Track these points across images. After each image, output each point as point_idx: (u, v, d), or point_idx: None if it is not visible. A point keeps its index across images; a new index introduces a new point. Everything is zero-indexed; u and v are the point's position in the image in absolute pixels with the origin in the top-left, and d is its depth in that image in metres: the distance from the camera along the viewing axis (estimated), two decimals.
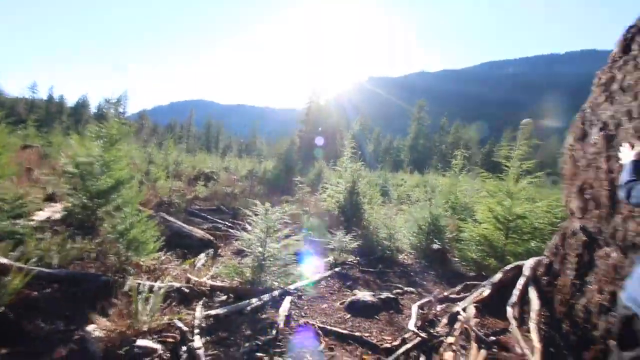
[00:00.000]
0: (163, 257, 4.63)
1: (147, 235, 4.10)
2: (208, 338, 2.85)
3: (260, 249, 4.18)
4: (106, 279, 3.54)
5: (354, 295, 3.96)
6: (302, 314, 3.49)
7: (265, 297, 3.73)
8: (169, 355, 2.64)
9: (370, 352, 2.48)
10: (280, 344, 2.82)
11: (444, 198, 8.40)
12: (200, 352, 2.59)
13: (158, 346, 2.71)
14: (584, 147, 2.15)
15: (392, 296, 3.85)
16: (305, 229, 7.00)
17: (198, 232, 6.28)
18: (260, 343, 2.82)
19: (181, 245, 5.31)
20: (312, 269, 5.18)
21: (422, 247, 6.34)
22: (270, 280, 4.16)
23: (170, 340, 2.84)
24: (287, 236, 4.48)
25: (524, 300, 2.55)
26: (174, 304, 3.42)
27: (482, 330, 2.55)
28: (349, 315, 3.48)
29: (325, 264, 5.43)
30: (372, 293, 3.96)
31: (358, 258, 5.76)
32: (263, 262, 4.15)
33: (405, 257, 6.27)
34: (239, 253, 5.60)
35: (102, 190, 5.10)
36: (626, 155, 1.66)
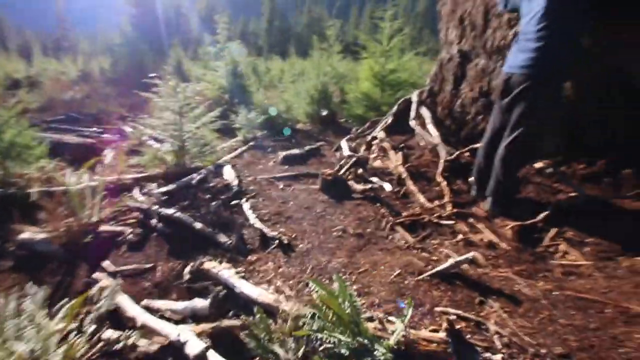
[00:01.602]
0: (50, 166, 3.88)
1: (27, 139, 3.29)
2: (173, 209, 2.93)
3: (177, 132, 3.98)
4: None
5: (281, 154, 4.45)
6: (246, 175, 3.82)
7: (203, 171, 3.81)
8: (139, 231, 2.67)
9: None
10: (246, 193, 3.18)
11: (320, 71, 9.03)
12: (178, 214, 2.72)
13: (121, 228, 2.68)
14: None
15: (314, 147, 4.54)
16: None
17: (72, 139, 5.23)
18: (226, 197, 3.11)
19: (61, 154, 4.44)
20: (228, 145, 5.31)
21: (315, 114, 7.05)
22: (196, 161, 4.16)
23: (132, 221, 2.81)
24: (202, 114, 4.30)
25: (418, 116, 3.55)
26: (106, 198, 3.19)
27: (393, 143, 3.51)
28: (286, 167, 4.03)
29: (238, 141, 5.60)
30: (296, 149, 4.54)
31: (266, 131, 6.10)
32: (185, 145, 4.03)
33: (303, 125, 6.95)
34: (136, 152, 5.10)
35: None
36: None
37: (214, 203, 3.06)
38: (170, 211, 2.77)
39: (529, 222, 1.94)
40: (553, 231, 1.86)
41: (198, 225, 2.58)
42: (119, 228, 2.68)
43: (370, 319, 1.22)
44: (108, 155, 4.25)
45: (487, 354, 1.12)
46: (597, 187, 2.11)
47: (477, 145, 2.60)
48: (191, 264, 2.15)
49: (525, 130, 1.95)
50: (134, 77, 13.77)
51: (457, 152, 2.80)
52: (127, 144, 5.40)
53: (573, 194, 2.12)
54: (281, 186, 3.34)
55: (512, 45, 2.08)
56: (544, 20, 1.84)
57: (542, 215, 1.93)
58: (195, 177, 3.64)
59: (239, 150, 5.00)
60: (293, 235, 2.27)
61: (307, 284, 1.71)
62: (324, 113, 6.98)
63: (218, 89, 8.41)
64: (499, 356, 1.10)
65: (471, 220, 2.17)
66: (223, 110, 7.01)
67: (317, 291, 1.11)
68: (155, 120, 4.20)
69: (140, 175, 3.77)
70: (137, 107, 10.78)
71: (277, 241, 2.18)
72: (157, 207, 2.89)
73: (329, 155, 4.34)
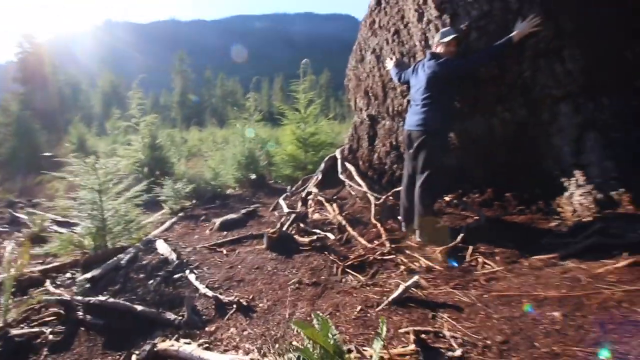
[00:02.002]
0: None
1: None
2: (104, 296, 2.61)
3: (96, 211, 3.70)
4: None
5: (217, 220, 4.36)
6: (183, 246, 3.62)
7: (131, 250, 3.52)
8: (63, 327, 2.31)
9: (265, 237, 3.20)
10: (188, 265, 3.01)
11: (245, 138, 9.42)
12: (111, 300, 2.44)
13: (37, 329, 2.28)
14: (363, 65, 3.57)
15: (251, 209, 4.59)
16: None
17: None
18: (166, 273, 2.89)
19: None
20: (156, 219, 4.96)
21: (244, 178, 7.18)
22: (120, 240, 3.84)
23: (51, 318, 2.41)
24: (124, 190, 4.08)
25: (344, 170, 4.00)
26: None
27: (326, 196, 3.83)
28: (225, 232, 3.95)
29: (165, 214, 5.31)
30: (233, 214, 4.52)
31: (194, 201, 5.92)
32: (106, 224, 3.74)
33: (233, 190, 6.95)
34: (39, 240, 4.47)
35: None
36: (389, 64, 3.10)
37: (152, 281, 2.82)
38: (100, 298, 2.47)
39: (451, 245, 2.34)
40: (470, 249, 2.28)
41: (139, 307, 2.34)
42: (34, 329, 2.26)
43: (349, 351, 1.31)
44: (7, 247, 3.60)
45: (450, 353, 1.31)
46: (491, 210, 2.69)
47: (398, 189, 3.06)
48: (136, 352, 1.93)
49: (430, 172, 2.47)
50: (23, 159, 12.13)
51: (383, 197, 3.23)
52: (26, 233, 4.64)
53: (476, 217, 2.65)
54: (225, 252, 3.26)
55: (408, 109, 2.70)
56: (426, 91, 2.49)
57: (459, 238, 2.36)
58: (123, 257, 3.33)
59: (168, 223, 4.73)
60: (250, 297, 2.24)
61: (276, 340, 1.72)
62: (253, 176, 7.15)
63: (134, 162, 8.00)
64: (459, 351, 1.30)
65: (407, 251, 2.49)
66: (145, 183, 6.67)
67: (299, 332, 1.19)
68: (66, 202, 3.84)
69: (50, 265, 3.31)
70: (29, 191, 9.37)
71: (235, 305, 2.12)
72: (81, 297, 2.54)
73: (267, 216, 4.43)
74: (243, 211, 4.55)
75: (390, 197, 3.28)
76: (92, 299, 2.45)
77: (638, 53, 2.34)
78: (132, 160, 7.98)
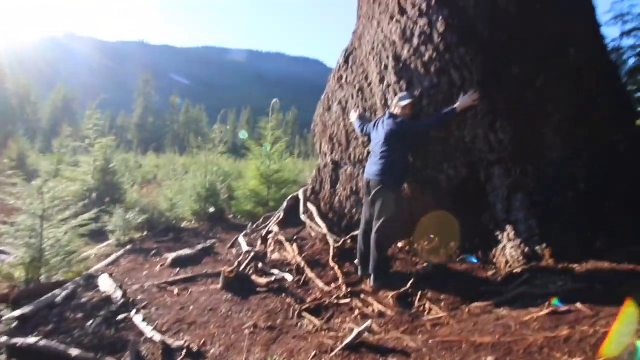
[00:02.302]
0: None
1: None
2: (34, 337, 2.36)
3: (34, 239, 3.44)
4: None
5: (169, 256, 4.17)
6: (130, 283, 3.40)
7: (70, 285, 3.25)
8: None
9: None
10: (134, 304, 2.82)
11: (208, 169, 9.26)
12: (42, 342, 2.22)
13: None
14: (330, 114, 3.86)
15: (207, 245, 4.46)
16: None
17: None
18: (109, 313, 2.69)
19: None
20: (100, 251, 4.60)
21: (202, 211, 6.98)
22: (57, 274, 3.55)
23: None
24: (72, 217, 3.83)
25: (306, 210, 4.12)
26: None
27: (287, 236, 3.89)
28: (178, 269, 3.79)
29: (110, 245, 4.95)
30: (187, 249, 4.35)
31: (146, 233, 5.62)
32: (43, 254, 3.47)
33: (189, 223, 6.70)
34: None
35: None
36: (353, 116, 3.41)
37: (91, 322, 2.61)
38: (29, 340, 2.23)
39: (402, 290, 2.50)
40: (419, 294, 2.45)
41: (75, 351, 2.15)
42: None
43: None
44: None
45: None
46: (438, 257, 2.93)
47: (356, 232, 3.23)
48: None
49: (386, 219, 2.68)
50: None
51: (342, 240, 3.37)
52: None
53: (425, 264, 2.87)
54: (176, 291, 3.12)
55: (368, 159, 2.96)
56: (384, 146, 2.77)
57: (409, 284, 2.53)
58: (60, 293, 3.07)
59: (114, 256, 4.43)
60: (201, 342, 2.17)
61: None
62: (212, 210, 6.97)
63: (82, 187, 7.47)
64: None
65: (362, 296, 2.59)
66: (94, 211, 6.25)
67: None
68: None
69: None
70: None
71: (184, 350, 2.04)
72: (7, 337, 2.27)
73: (225, 253, 4.33)
74: (199, 247, 4.41)
75: (349, 241, 3.42)
76: (20, 341, 2.20)
77: (552, 130, 2.84)
78: (80, 184, 7.46)
